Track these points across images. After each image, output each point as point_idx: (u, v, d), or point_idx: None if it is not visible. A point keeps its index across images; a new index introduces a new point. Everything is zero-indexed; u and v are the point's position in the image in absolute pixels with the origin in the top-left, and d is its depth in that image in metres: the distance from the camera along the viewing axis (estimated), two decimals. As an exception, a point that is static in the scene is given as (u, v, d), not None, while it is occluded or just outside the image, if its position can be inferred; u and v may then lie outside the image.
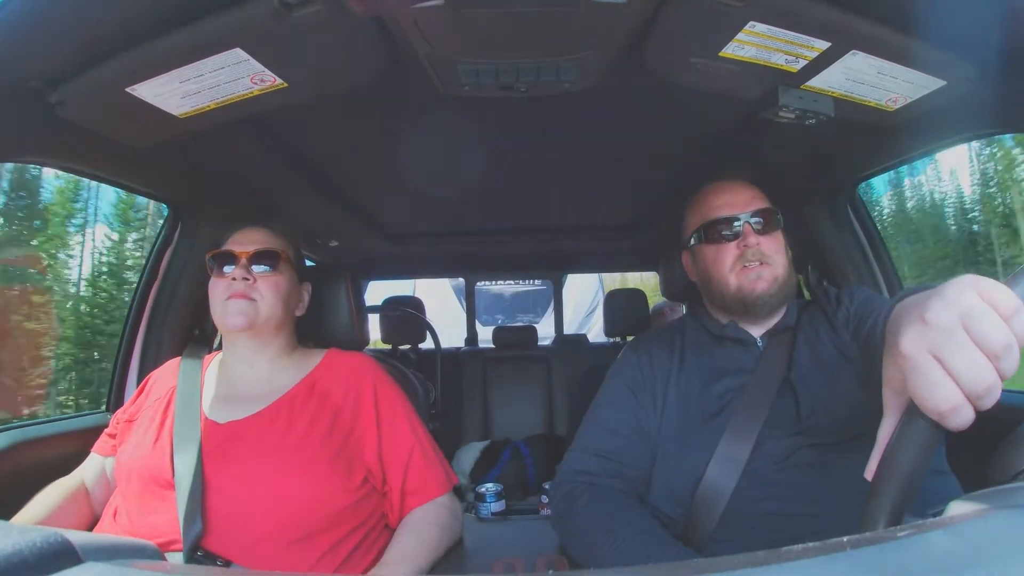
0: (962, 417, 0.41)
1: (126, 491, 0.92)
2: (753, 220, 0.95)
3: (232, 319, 0.99)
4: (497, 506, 1.98)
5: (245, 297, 0.99)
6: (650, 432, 0.96)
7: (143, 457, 0.93)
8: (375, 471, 0.97)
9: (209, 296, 1.02)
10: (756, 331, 0.99)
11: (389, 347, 2.66)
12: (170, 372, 1.08)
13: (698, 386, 0.96)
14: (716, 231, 0.97)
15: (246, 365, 1.04)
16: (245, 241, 1.04)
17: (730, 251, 0.96)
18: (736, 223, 0.96)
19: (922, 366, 0.43)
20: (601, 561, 0.82)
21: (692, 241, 1.03)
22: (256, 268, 1.02)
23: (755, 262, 0.94)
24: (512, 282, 6.03)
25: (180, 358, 1.10)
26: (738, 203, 0.97)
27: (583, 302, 6.50)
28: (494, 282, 5.65)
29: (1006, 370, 0.41)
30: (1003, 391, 0.42)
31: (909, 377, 0.44)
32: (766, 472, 0.85)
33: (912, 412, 0.44)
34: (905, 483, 0.44)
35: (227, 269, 1.02)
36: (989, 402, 0.41)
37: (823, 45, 0.79)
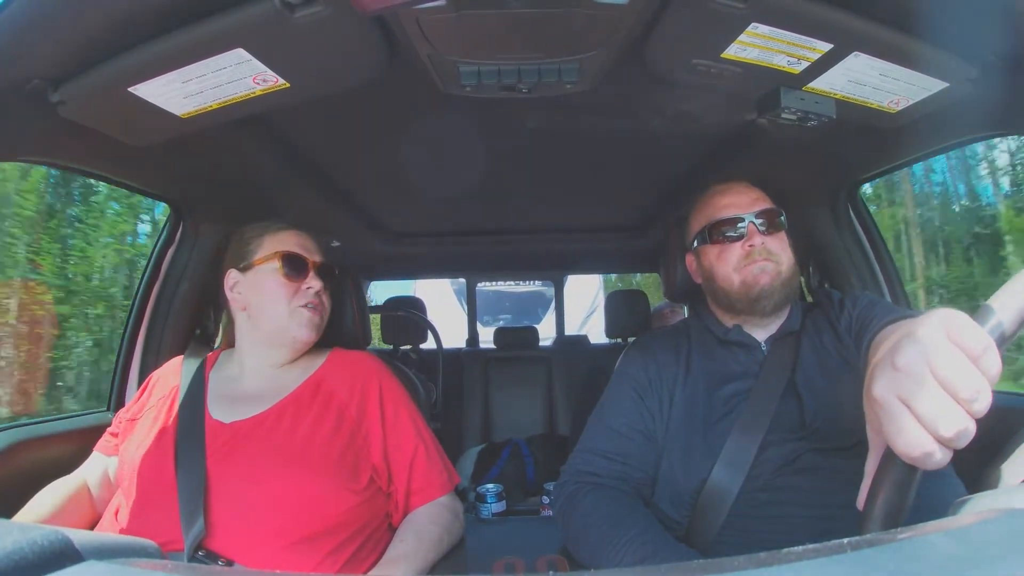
0: (934, 460, 0.41)
1: (128, 490, 0.92)
2: (758, 221, 0.95)
3: (304, 331, 0.98)
4: (498, 507, 1.98)
5: (319, 310, 0.98)
6: (655, 434, 0.96)
7: (146, 456, 0.92)
8: (380, 470, 0.96)
9: (267, 297, 1.00)
10: (760, 335, 0.98)
11: (390, 347, 2.66)
12: (173, 371, 1.07)
13: (703, 390, 0.96)
14: (720, 231, 0.97)
15: (252, 365, 1.04)
16: (309, 248, 1.02)
17: (735, 251, 0.96)
18: (741, 224, 0.96)
19: (893, 412, 0.43)
20: (604, 562, 0.82)
21: (696, 242, 1.03)
22: (321, 280, 1.01)
23: (760, 258, 0.94)
24: (513, 283, 6.01)
25: (182, 357, 1.10)
26: (743, 204, 0.98)
27: (582, 304, 6.48)
28: (494, 283, 5.64)
29: (977, 412, 0.41)
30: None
31: (882, 421, 0.44)
32: (770, 476, 0.85)
33: (890, 452, 0.45)
34: (891, 516, 0.45)
35: (299, 274, 1.00)
36: (962, 443, 0.41)
37: (825, 47, 0.79)
